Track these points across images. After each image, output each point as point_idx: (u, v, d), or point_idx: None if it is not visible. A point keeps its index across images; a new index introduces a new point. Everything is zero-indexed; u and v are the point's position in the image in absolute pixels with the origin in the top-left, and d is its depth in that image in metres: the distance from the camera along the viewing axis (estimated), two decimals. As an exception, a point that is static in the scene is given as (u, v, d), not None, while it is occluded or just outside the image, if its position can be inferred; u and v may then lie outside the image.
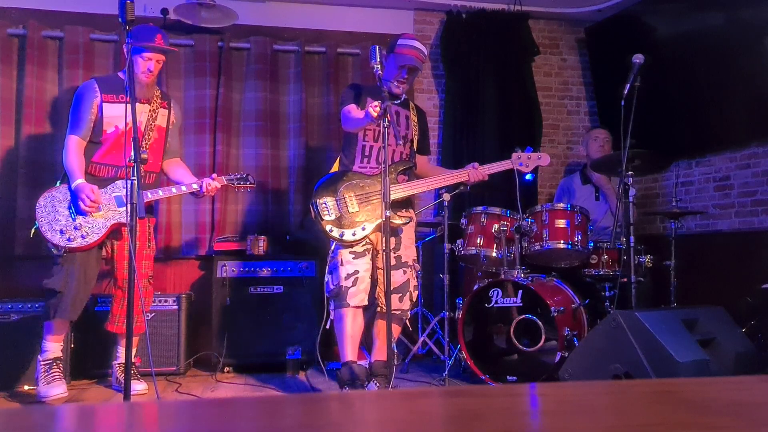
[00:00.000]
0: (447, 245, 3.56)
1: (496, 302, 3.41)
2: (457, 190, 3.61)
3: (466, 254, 3.66)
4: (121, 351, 3.38)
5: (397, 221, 3.15)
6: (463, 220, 3.73)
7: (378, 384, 3.13)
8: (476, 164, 3.33)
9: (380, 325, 3.21)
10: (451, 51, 4.81)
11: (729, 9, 3.95)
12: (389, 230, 2.77)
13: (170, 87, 4.36)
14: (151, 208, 3.52)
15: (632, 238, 3.29)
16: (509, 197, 3.53)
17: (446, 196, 3.53)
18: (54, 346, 3.24)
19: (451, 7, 4.82)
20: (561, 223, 3.51)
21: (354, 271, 3.11)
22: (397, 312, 3.14)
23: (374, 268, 3.21)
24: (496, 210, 3.64)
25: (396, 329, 3.20)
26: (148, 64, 3.24)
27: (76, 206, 3.14)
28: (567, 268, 3.73)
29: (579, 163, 4.90)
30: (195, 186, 3.32)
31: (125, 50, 3.08)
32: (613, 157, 3.58)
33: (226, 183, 3.40)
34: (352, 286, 3.10)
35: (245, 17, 4.41)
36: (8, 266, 4.10)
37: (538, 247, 3.52)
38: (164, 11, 4.36)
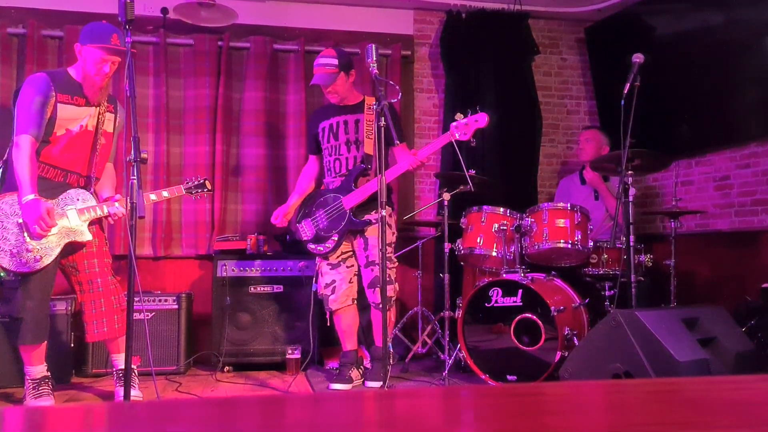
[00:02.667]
0: (447, 245, 3.57)
1: (496, 302, 3.41)
2: (457, 190, 3.62)
3: (466, 254, 3.67)
4: (117, 358, 3.16)
5: (362, 218, 3.38)
6: (463, 220, 3.74)
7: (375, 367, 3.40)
8: (415, 151, 3.41)
9: (372, 317, 3.59)
10: (451, 51, 4.80)
11: (729, 9, 3.95)
12: (356, 231, 3.39)
13: (170, 87, 4.37)
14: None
15: (632, 238, 3.29)
16: (458, 167, 3.49)
17: (446, 196, 3.54)
18: (37, 369, 3.04)
19: (451, 7, 4.81)
20: (561, 222, 3.51)
21: (331, 281, 3.48)
22: (373, 304, 3.45)
23: (357, 268, 3.53)
24: (496, 209, 3.64)
25: (378, 317, 3.42)
26: (103, 66, 2.97)
27: (28, 228, 2.85)
28: (567, 268, 3.73)
29: (578, 163, 4.90)
30: (105, 210, 3.03)
31: (77, 50, 3.01)
32: (611, 156, 3.58)
33: (184, 192, 3.22)
34: (331, 294, 3.48)
35: (245, 17, 4.40)
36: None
37: (538, 247, 3.52)
38: (164, 11, 4.35)
